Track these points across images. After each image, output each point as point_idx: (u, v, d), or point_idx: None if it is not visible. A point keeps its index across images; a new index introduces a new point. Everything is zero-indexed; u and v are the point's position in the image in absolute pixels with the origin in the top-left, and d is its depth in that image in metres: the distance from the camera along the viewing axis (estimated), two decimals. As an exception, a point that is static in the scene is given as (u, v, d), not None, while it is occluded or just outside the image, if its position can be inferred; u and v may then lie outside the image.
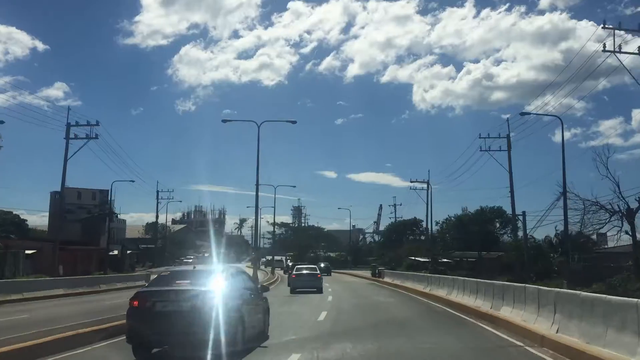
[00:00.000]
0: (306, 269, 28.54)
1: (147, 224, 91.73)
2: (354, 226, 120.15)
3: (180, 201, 77.35)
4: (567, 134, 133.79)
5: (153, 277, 16.60)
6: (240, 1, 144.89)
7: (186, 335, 8.18)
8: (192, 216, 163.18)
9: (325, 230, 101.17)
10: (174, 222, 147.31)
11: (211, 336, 7.98)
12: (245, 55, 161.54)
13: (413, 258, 64.82)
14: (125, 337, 8.74)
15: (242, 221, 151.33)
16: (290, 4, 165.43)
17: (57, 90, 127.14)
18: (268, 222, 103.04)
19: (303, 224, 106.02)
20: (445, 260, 61.26)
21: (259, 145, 25.48)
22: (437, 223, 64.77)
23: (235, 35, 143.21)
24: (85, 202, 71.79)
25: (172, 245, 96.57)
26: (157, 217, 75.20)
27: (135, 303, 8.52)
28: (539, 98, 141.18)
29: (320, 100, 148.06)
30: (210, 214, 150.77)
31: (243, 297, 9.58)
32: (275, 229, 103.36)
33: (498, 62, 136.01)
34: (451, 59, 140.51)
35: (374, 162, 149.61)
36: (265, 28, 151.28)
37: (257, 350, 9.20)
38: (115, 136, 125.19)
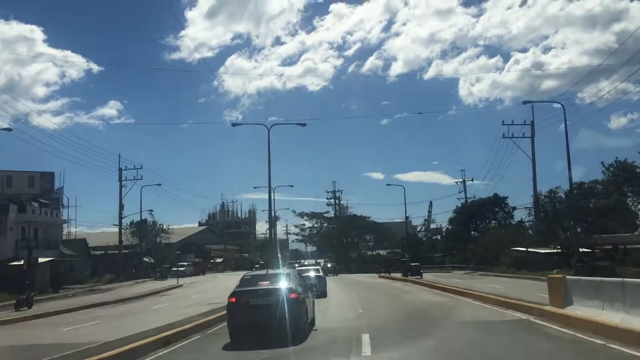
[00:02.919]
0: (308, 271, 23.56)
1: (131, 222, 68.41)
2: (407, 217, 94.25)
3: (160, 184, 52.90)
4: (623, 120, 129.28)
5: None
6: (281, 7, 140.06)
7: (271, 322, 10.57)
8: (217, 217, 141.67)
9: (371, 219, 74.72)
10: (200, 224, 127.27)
11: (288, 322, 10.48)
12: (289, 61, 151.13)
13: (524, 250, 38.55)
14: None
15: (276, 220, 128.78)
16: (332, 7, 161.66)
17: (111, 109, 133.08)
18: (295, 211, 78.62)
19: (341, 214, 79.88)
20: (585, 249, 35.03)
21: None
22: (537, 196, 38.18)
23: (278, 41, 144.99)
24: (19, 190, 49.32)
25: (170, 251, 73.01)
26: (120, 206, 51.49)
27: (233, 299, 11.05)
28: (592, 84, 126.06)
29: (364, 102, 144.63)
30: (231, 212, 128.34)
31: (304, 292, 12.02)
32: (306, 221, 78.56)
33: (547, 49, 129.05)
34: (497, 50, 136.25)
35: (421, 160, 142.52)
36: (308, 33, 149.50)
37: (312, 333, 11.52)
38: (167, 149, 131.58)
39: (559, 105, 29.59)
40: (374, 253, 73.41)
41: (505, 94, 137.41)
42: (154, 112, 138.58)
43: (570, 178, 31.11)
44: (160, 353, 10.14)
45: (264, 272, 13.27)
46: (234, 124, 32.76)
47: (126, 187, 51.24)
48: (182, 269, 59.30)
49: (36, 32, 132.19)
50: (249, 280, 11.88)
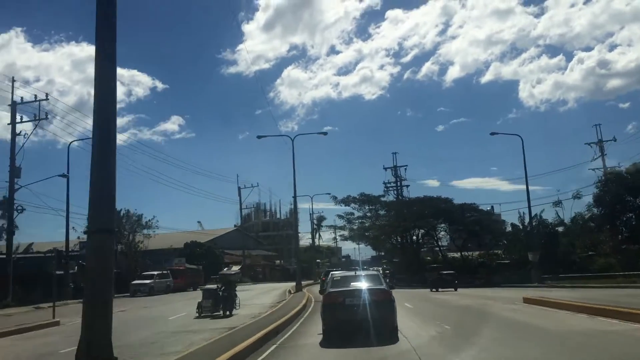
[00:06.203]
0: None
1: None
2: (490, 208, 66.76)
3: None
4: None
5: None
6: (337, 16, 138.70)
7: (367, 321, 10.70)
8: (253, 218, 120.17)
9: (454, 202, 47.29)
10: (235, 227, 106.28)
11: (383, 322, 10.87)
12: (344, 70, 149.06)
13: None
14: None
15: (320, 220, 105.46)
16: (388, 13, 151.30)
17: (172, 125, 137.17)
18: (336, 197, 53.41)
19: (405, 197, 53.60)
20: None
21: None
22: None
23: (333, 50, 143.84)
24: None
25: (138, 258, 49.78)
26: (11, 171, 28.27)
27: (329, 299, 11.36)
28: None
29: (420, 109, 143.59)
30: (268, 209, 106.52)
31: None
32: (354, 209, 53.51)
33: (612, 47, 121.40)
34: (559, 49, 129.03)
35: (478, 166, 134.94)
36: (364, 40, 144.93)
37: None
38: (223, 160, 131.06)
39: None
40: (466, 255, 46.98)
41: (569, 95, 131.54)
42: (213, 125, 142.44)
43: None
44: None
45: (352, 273, 13.43)
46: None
47: (24, 135, 28.17)
48: (147, 281, 35.83)
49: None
50: (339, 281, 12.17)
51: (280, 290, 35.98)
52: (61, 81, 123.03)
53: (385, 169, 55.46)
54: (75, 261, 33.80)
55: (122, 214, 47.84)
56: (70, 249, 41.62)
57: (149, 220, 49.04)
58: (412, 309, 18.66)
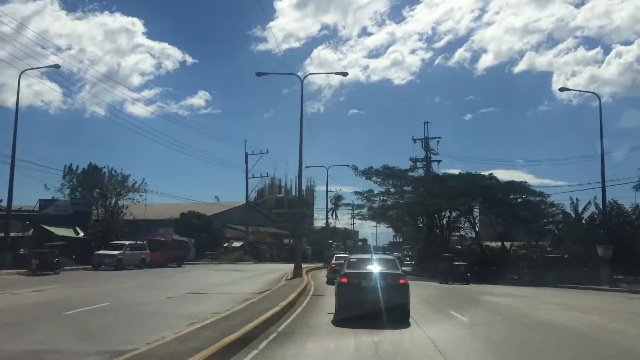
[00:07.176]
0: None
1: (67, 167, 39.43)
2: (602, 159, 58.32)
3: (58, 66, 27.37)
4: None
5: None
6: None
7: (382, 303, 10.73)
8: (267, 193, 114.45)
9: (505, 181, 39.21)
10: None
11: (397, 305, 10.86)
12: (375, 53, 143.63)
13: None
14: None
15: (338, 199, 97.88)
16: None
17: (199, 99, 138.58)
18: (356, 168, 45.40)
19: (435, 172, 45.86)
20: None
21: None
22: None
23: (365, 32, 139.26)
24: None
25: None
26: None
27: (345, 280, 11.47)
28: None
29: (448, 96, 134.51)
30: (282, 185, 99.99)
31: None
32: (377, 184, 45.84)
33: None
34: (597, 42, 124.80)
35: (504, 158, 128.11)
36: (397, 23, 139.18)
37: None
38: (248, 138, 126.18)
39: None
40: (508, 246, 39.23)
41: (604, 89, 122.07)
42: (240, 102, 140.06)
43: None
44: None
45: (368, 255, 13.58)
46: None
47: None
48: (114, 252, 29.17)
49: (137, 25, 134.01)
50: (356, 263, 12.39)
51: (279, 273, 28.99)
52: (92, 50, 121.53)
53: (415, 140, 47.58)
54: (23, 222, 27.03)
55: (104, 173, 41.34)
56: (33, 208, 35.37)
57: (137, 184, 42.31)
58: (468, 324, 11.39)
